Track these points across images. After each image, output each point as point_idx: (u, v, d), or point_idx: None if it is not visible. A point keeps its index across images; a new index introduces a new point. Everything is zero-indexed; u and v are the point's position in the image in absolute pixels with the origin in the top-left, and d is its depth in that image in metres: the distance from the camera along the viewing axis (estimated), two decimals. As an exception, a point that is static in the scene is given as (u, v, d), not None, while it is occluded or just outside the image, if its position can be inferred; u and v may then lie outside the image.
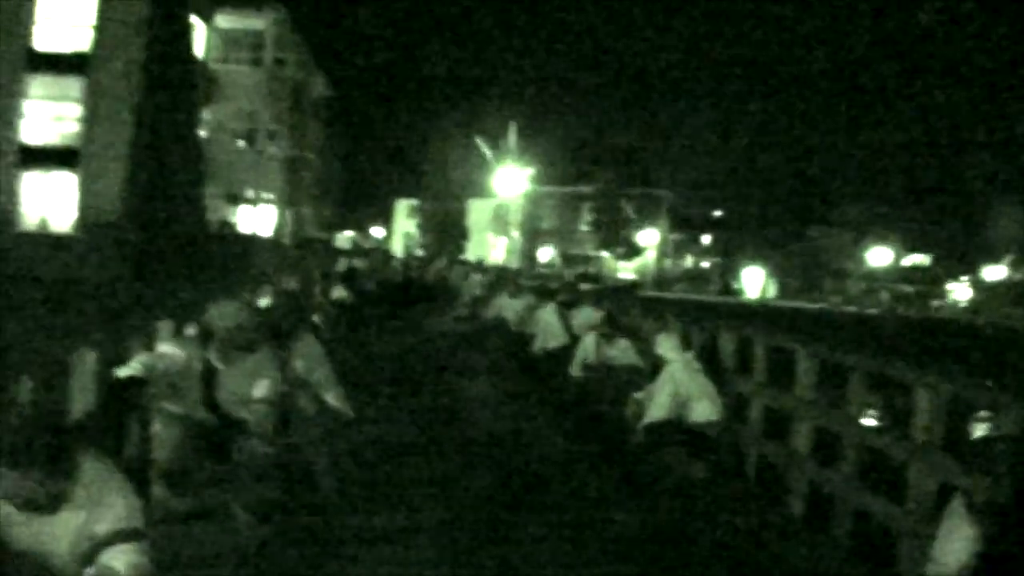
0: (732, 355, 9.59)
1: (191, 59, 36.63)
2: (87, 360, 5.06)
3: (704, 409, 8.48)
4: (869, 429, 7.04)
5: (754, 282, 73.15)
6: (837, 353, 7.94)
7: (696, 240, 77.86)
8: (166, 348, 5.96)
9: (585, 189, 67.70)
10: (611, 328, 11.14)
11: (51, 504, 3.21)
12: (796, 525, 7.50)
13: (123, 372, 5.36)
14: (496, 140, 61.50)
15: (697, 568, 6.22)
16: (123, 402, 5.08)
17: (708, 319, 11.80)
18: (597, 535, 6.73)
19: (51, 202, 35.78)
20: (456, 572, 5.88)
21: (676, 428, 8.39)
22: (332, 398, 6.85)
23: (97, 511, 3.27)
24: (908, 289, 70.27)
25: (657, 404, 8.49)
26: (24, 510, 3.21)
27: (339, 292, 17.21)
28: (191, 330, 6.60)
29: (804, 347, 8.06)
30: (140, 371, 5.46)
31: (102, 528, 3.25)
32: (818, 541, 7.00)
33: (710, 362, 9.37)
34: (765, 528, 7.22)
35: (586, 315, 12.80)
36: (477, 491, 7.74)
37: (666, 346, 8.83)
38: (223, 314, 5.78)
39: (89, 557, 3.23)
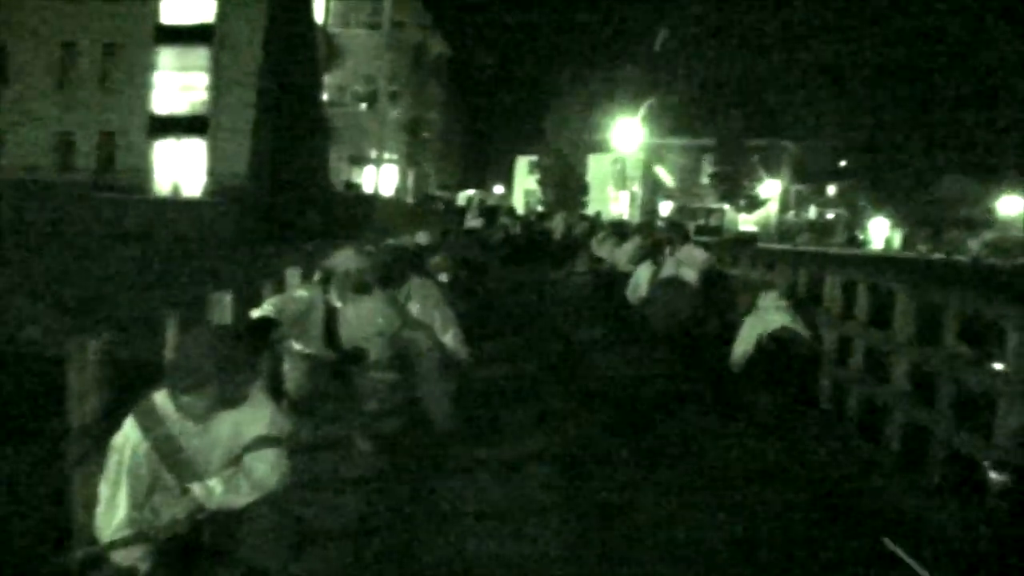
0: (834, 297, 9.78)
1: (311, 25, 37.59)
2: (224, 300, 5.66)
3: (779, 320, 8.75)
4: (961, 363, 7.19)
5: (880, 233, 71.63)
6: (926, 291, 8.15)
7: (821, 191, 76.15)
8: (295, 292, 6.58)
9: (706, 141, 66.99)
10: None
11: (211, 411, 3.71)
12: (892, 461, 7.76)
13: (257, 312, 5.99)
14: (616, 92, 61.19)
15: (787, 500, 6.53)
16: (257, 339, 5.66)
17: (815, 265, 11.95)
18: (695, 468, 7.14)
19: (182, 168, 37.27)
20: (560, 499, 6.30)
21: (770, 361, 8.62)
22: (449, 339, 7.40)
23: (247, 417, 3.80)
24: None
25: (743, 339, 8.87)
26: (196, 420, 3.71)
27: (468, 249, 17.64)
28: (316, 276, 7.19)
29: (902, 286, 8.28)
30: (271, 312, 6.05)
31: (250, 432, 3.79)
32: (914, 479, 7.24)
33: (815, 303, 9.70)
34: (859, 463, 7.54)
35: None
36: (585, 426, 8.20)
37: (765, 299, 9.10)
38: (341, 259, 6.37)
39: (237, 458, 3.78)
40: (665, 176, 67.96)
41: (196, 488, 3.73)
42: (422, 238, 14.31)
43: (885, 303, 8.78)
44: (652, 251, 12.25)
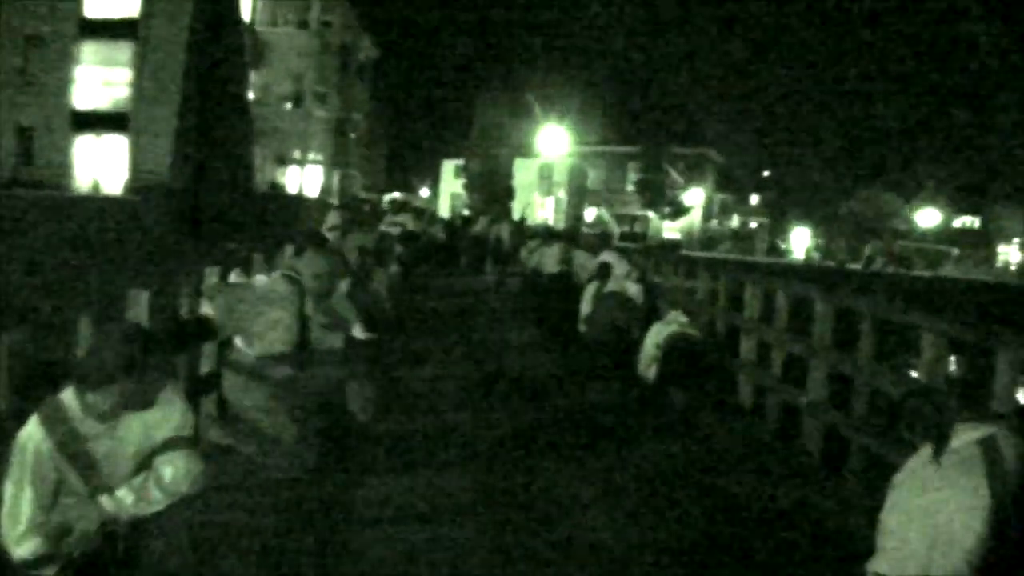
0: (754, 304, 10.02)
1: (238, 22, 37.14)
2: (141, 299, 5.52)
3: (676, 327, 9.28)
4: (877, 369, 7.33)
5: (801, 243, 72.97)
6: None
7: (744, 200, 77.58)
8: (258, 281, 6.46)
9: (631, 149, 67.58)
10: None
11: (117, 411, 3.56)
12: (811, 464, 7.92)
13: (205, 307, 5.79)
14: (542, 98, 61.47)
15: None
16: (180, 339, 5.53)
17: (736, 272, 12.20)
18: (618, 472, 7.21)
19: (104, 165, 36.52)
20: (483, 500, 6.32)
21: (675, 363, 8.93)
22: (358, 331, 7.33)
23: (157, 419, 3.69)
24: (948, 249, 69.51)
25: (646, 348, 9.35)
26: (102, 420, 3.57)
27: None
28: (234, 277, 7.06)
29: (819, 294, 8.46)
30: (216, 310, 5.94)
31: (160, 434, 3.68)
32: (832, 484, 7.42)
33: (735, 310, 9.94)
34: (777, 465, 7.71)
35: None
36: (511, 428, 8.25)
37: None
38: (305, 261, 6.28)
39: (147, 460, 3.66)
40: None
41: (105, 501, 3.60)
42: (333, 218, 14.16)
43: (803, 310, 8.99)
44: (600, 268, 12.25)
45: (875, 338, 7.56)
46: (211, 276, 7.43)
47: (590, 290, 11.72)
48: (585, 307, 11.63)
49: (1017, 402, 5.93)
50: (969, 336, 6.28)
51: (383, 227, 18.21)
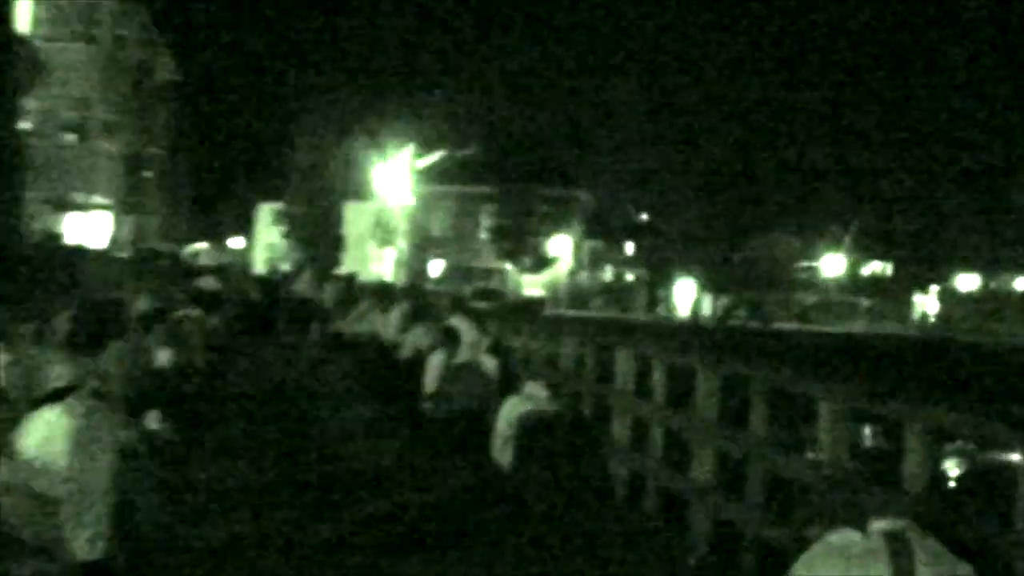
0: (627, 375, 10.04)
1: (9, 34, 36.15)
2: None
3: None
4: (771, 449, 7.43)
5: (686, 297, 73.43)
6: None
7: (619, 248, 78.20)
8: None
9: (487, 189, 67.63)
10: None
11: None
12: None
13: None
14: (379, 131, 61.09)
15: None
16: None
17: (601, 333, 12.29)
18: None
19: None
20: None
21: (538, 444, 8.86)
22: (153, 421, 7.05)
23: None
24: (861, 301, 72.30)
25: (499, 426, 9.31)
26: None
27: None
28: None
29: (702, 362, 8.54)
30: None
31: None
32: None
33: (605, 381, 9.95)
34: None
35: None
36: (337, 529, 8.04)
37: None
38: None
39: None
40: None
41: None
42: (143, 304, 13.57)
43: (684, 380, 9.05)
44: (446, 335, 12.21)
45: (767, 411, 7.65)
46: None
47: (435, 361, 11.65)
48: (430, 382, 11.56)
49: (932, 482, 6.03)
50: (876, 407, 6.39)
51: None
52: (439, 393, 11.16)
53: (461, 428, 10.53)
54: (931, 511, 4.51)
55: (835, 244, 76.48)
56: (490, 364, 11.14)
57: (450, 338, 11.81)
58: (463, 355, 11.51)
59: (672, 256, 72.67)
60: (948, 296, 76.08)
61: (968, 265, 77.49)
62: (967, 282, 78.64)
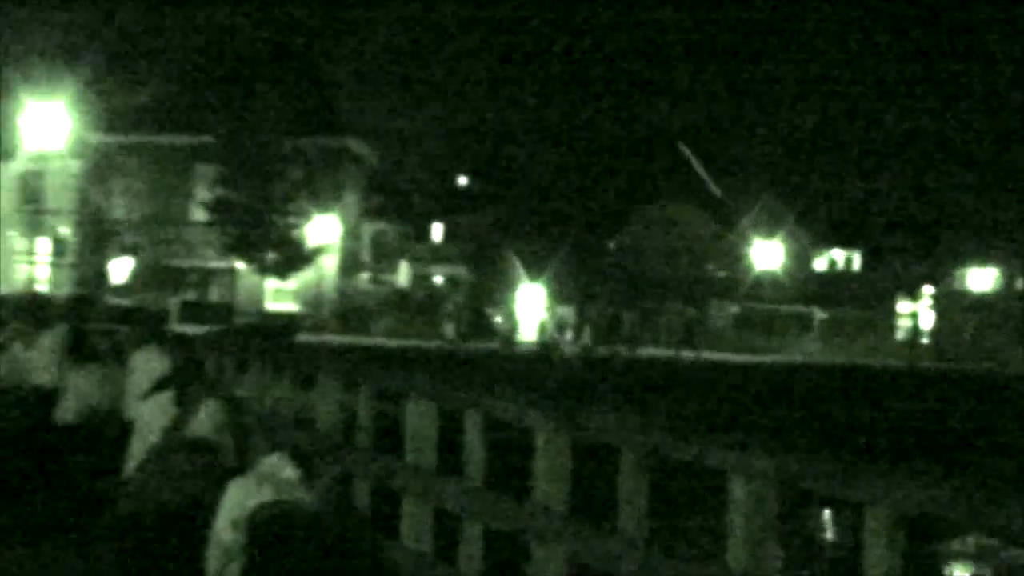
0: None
1: None
2: None
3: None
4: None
5: (532, 309, 59.22)
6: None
7: (421, 234, 63.18)
8: None
9: (205, 138, 50.85)
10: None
11: None
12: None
13: None
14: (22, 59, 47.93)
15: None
16: None
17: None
18: None
19: None
20: None
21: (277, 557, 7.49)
22: None
23: None
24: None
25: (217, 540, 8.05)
26: None
27: None
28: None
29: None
30: None
31: None
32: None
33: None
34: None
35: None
36: None
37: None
38: None
39: None
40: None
41: None
42: None
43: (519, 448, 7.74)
44: (178, 374, 10.66)
45: (648, 496, 6.09)
46: None
47: (139, 427, 10.23)
48: (130, 461, 10.02)
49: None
50: (820, 485, 5.15)
51: None
52: (138, 477, 9.40)
53: (166, 532, 8.68)
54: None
55: (769, 219, 63.04)
56: (208, 425, 9.63)
57: (160, 385, 10.38)
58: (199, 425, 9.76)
59: (508, 245, 60.21)
60: (950, 302, 63.23)
61: (981, 257, 64.19)
62: (980, 279, 65.28)
